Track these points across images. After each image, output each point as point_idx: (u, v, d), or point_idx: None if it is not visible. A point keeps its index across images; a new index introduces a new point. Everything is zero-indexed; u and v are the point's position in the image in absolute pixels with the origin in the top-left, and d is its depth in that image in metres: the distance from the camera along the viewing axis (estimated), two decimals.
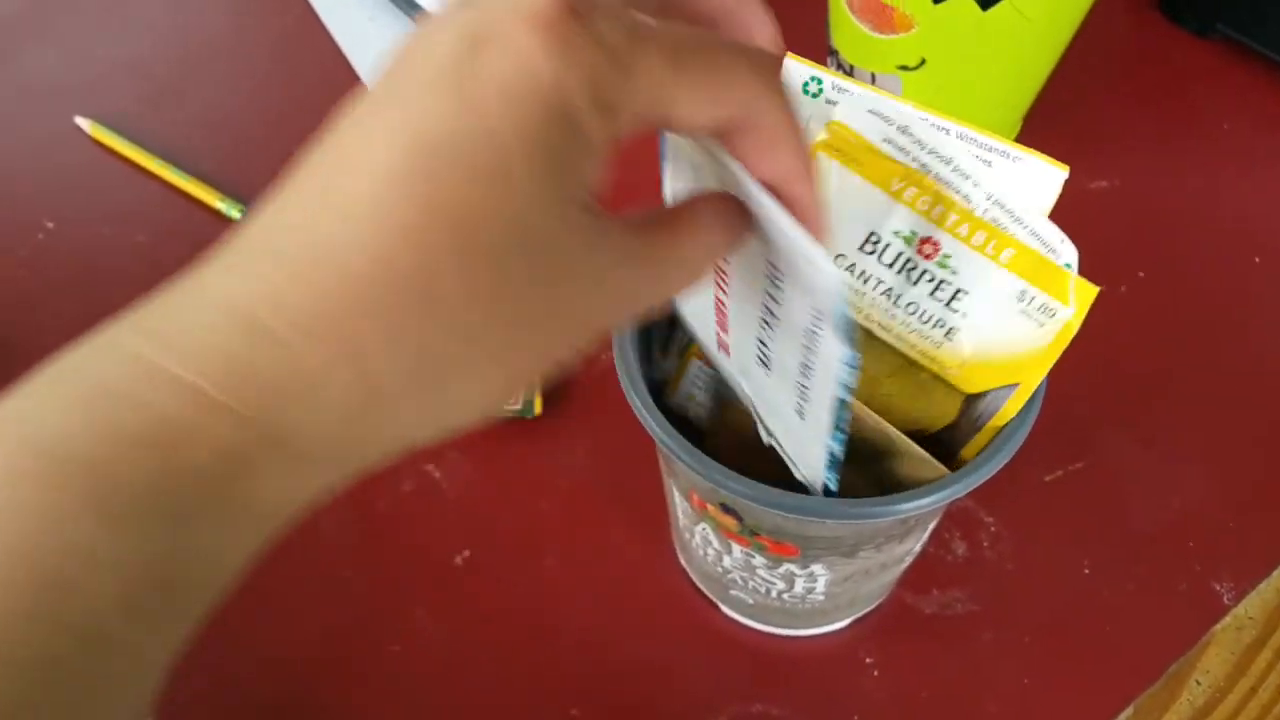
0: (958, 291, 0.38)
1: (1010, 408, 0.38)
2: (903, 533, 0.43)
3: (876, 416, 0.39)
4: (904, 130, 0.37)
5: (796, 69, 0.43)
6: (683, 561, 0.54)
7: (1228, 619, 0.52)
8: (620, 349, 0.42)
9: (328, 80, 0.79)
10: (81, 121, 0.75)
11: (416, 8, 0.80)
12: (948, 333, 0.38)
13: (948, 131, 0.42)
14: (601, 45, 0.23)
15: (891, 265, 0.38)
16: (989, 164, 0.42)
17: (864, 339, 0.39)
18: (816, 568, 0.44)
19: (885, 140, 0.38)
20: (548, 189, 0.23)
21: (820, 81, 0.43)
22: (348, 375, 0.23)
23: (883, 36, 0.61)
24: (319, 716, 0.51)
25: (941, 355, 0.39)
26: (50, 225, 0.70)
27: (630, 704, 0.51)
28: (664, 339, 0.47)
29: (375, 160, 0.23)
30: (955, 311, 0.38)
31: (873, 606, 0.52)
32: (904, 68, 0.62)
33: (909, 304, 0.38)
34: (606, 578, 0.54)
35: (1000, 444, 0.38)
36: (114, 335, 0.24)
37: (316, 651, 0.52)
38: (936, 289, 0.38)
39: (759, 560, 0.44)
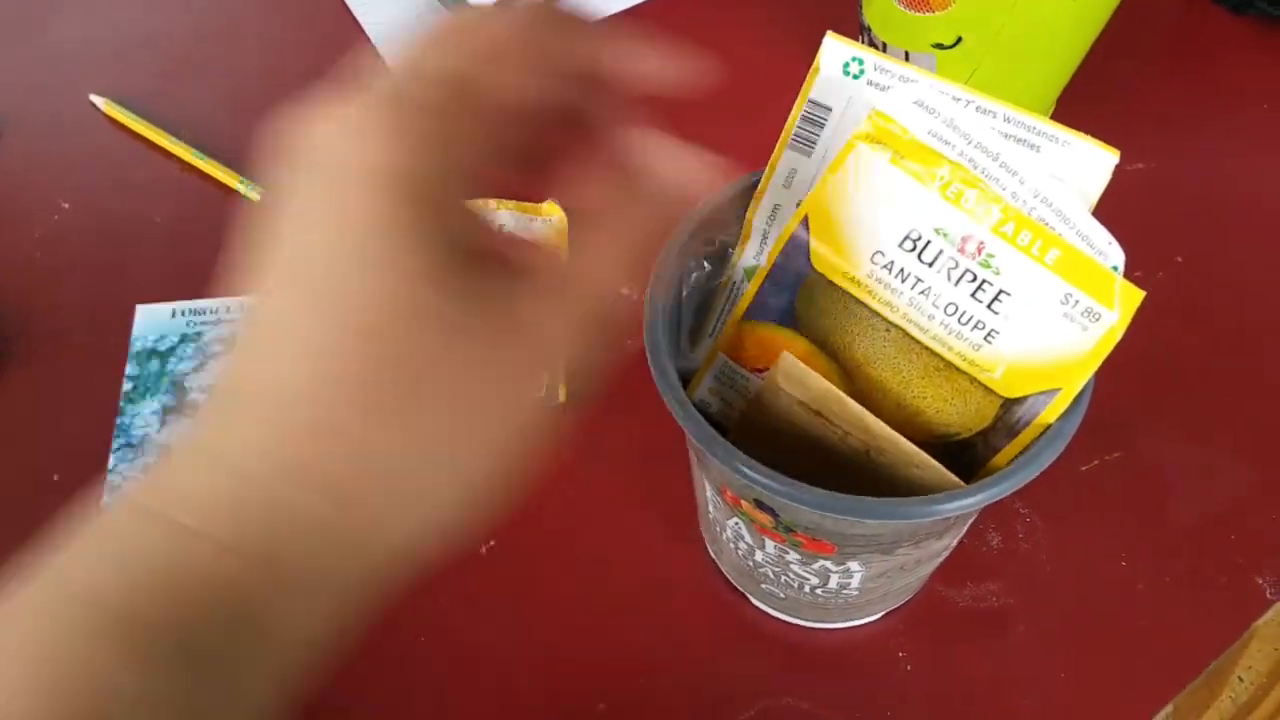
0: (1000, 293, 0.36)
1: (1050, 413, 0.37)
2: (942, 530, 0.42)
3: (886, 428, 0.38)
4: (950, 124, 0.36)
5: (836, 48, 0.41)
6: (712, 553, 0.53)
7: (1270, 614, 0.51)
8: (652, 342, 0.40)
9: (348, 58, 0.77)
10: (97, 99, 0.74)
11: None
12: (987, 335, 0.37)
13: (994, 114, 0.41)
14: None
15: (932, 264, 0.36)
16: (1036, 148, 0.41)
17: (899, 338, 0.38)
18: (853, 564, 0.43)
19: (930, 133, 0.36)
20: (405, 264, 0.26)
21: (861, 62, 0.41)
22: (324, 505, 0.26)
23: (918, 14, 0.59)
24: (345, 707, 0.50)
25: (980, 358, 0.37)
26: (66, 205, 0.70)
27: (659, 696, 0.50)
28: (693, 329, 0.46)
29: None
30: (996, 314, 0.36)
31: (905, 600, 0.51)
32: (939, 45, 0.60)
33: (948, 304, 0.37)
34: (634, 568, 0.53)
35: (1045, 444, 0.37)
36: (135, 498, 0.27)
37: (340, 641, 0.52)
38: (978, 290, 0.36)
39: (793, 556, 0.43)
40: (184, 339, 0.61)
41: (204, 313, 0.62)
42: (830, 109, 0.42)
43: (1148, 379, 0.58)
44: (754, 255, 0.44)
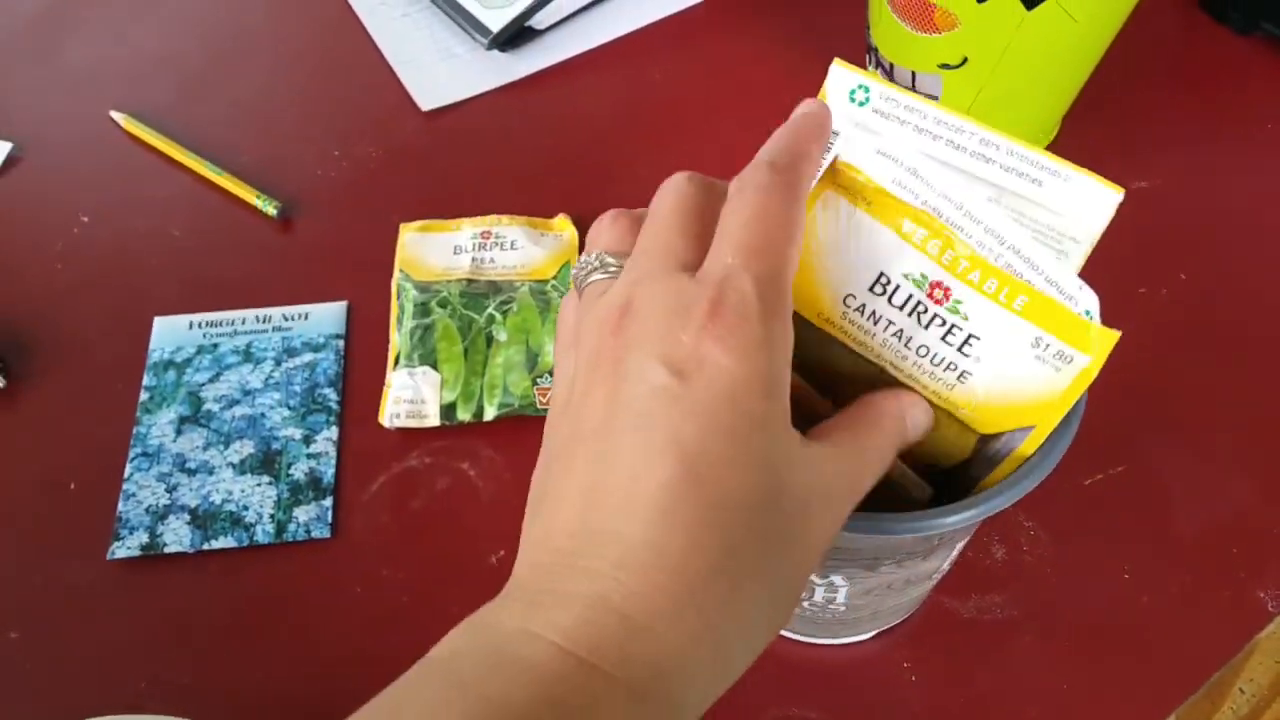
0: (969, 337, 0.36)
1: (1028, 446, 0.37)
2: (926, 550, 0.42)
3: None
4: (913, 172, 0.36)
5: (843, 76, 0.42)
6: None
7: (1272, 626, 0.52)
8: None
9: (363, 76, 0.79)
10: (116, 115, 0.75)
11: (449, 1, 0.80)
12: (960, 375, 0.37)
13: (997, 147, 0.41)
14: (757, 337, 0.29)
15: (902, 308, 0.36)
16: (1039, 183, 0.41)
17: (876, 375, 0.38)
18: (836, 578, 0.43)
19: (894, 182, 0.36)
20: (775, 449, 0.29)
21: (868, 90, 0.42)
22: (707, 650, 0.28)
23: (924, 35, 0.60)
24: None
25: (954, 397, 0.37)
26: (85, 219, 0.71)
27: None
28: None
29: (651, 478, 0.28)
30: (967, 356, 0.36)
31: (901, 619, 0.52)
32: (945, 66, 0.61)
33: (920, 346, 0.37)
34: None
35: (1028, 470, 0.37)
36: (507, 621, 0.29)
37: (351, 650, 0.52)
38: (948, 333, 0.36)
39: None
40: (200, 350, 0.62)
41: (220, 325, 0.64)
42: (836, 134, 0.42)
43: (1151, 394, 0.59)
44: None
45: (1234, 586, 0.53)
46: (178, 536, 0.55)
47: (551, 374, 0.58)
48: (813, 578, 0.43)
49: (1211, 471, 0.57)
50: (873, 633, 0.51)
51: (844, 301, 0.37)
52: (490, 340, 0.60)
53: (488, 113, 0.76)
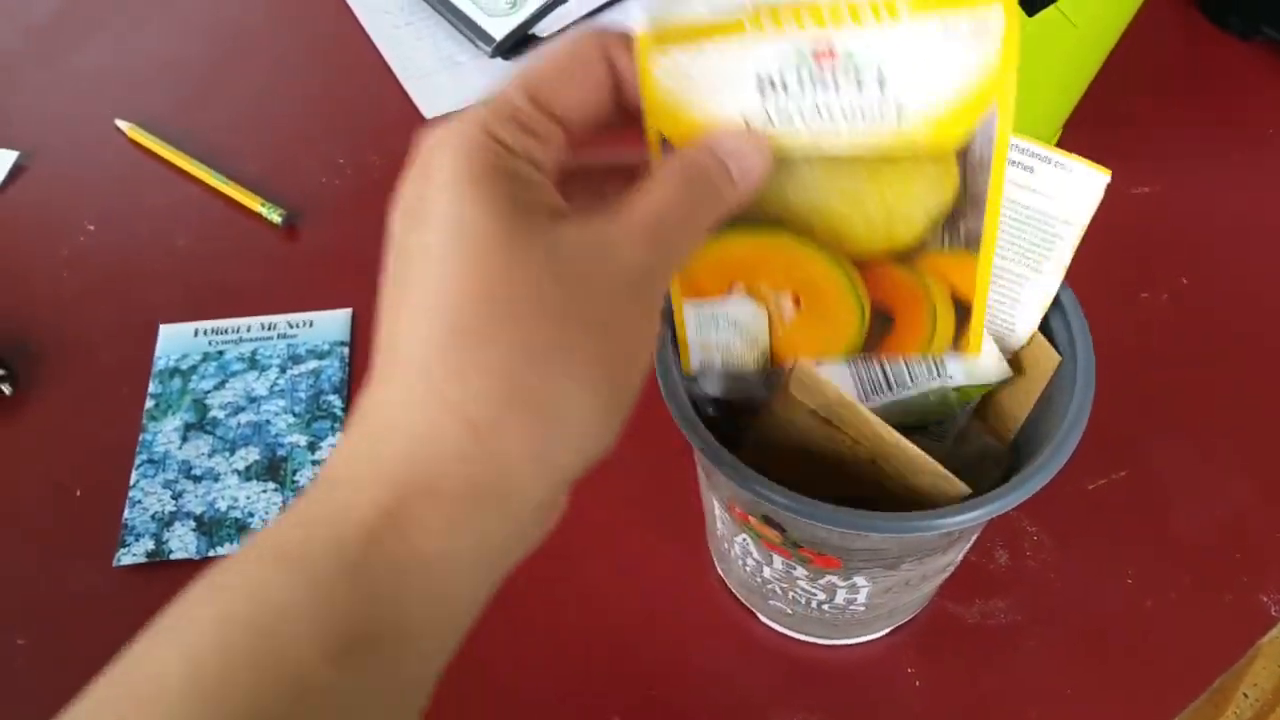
0: (880, 69, 0.33)
1: (1002, 134, 0.34)
2: (946, 545, 0.42)
3: (895, 434, 0.39)
4: None
5: None
6: (720, 570, 0.53)
7: (1275, 631, 0.52)
8: (662, 362, 0.41)
9: (366, 83, 0.79)
10: (121, 124, 0.76)
11: (452, 10, 0.81)
12: (898, 111, 0.34)
13: None
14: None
15: (803, 89, 0.34)
16: (1030, 169, 0.42)
17: (829, 164, 0.36)
18: (859, 579, 0.43)
19: (709, 7, 0.34)
20: (487, 210, 0.28)
21: None
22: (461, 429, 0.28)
23: None
24: None
25: (910, 132, 0.35)
26: (91, 227, 0.71)
27: (671, 710, 0.51)
28: None
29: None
30: (890, 85, 0.34)
31: (911, 616, 0.52)
32: None
33: (844, 109, 0.34)
34: (644, 584, 0.54)
35: (1049, 457, 0.38)
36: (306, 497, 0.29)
37: None
38: (860, 83, 0.34)
39: (800, 572, 0.44)
40: (206, 358, 0.63)
41: (225, 332, 0.64)
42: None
43: (1153, 399, 0.59)
44: None
45: (1237, 591, 0.53)
46: (184, 543, 0.55)
47: None
48: (834, 579, 0.43)
49: (1214, 475, 0.57)
50: (886, 630, 0.52)
51: (746, 125, 0.34)
52: None
53: None
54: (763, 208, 0.36)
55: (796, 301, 0.39)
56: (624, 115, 0.34)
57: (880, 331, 0.39)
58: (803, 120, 0.34)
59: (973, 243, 0.37)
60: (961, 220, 0.37)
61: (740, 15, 0.33)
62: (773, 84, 0.34)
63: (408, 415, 0.29)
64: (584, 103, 0.32)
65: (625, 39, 0.33)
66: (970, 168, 0.35)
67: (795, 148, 0.35)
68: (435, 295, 0.29)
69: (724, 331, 0.40)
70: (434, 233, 0.29)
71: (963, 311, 0.38)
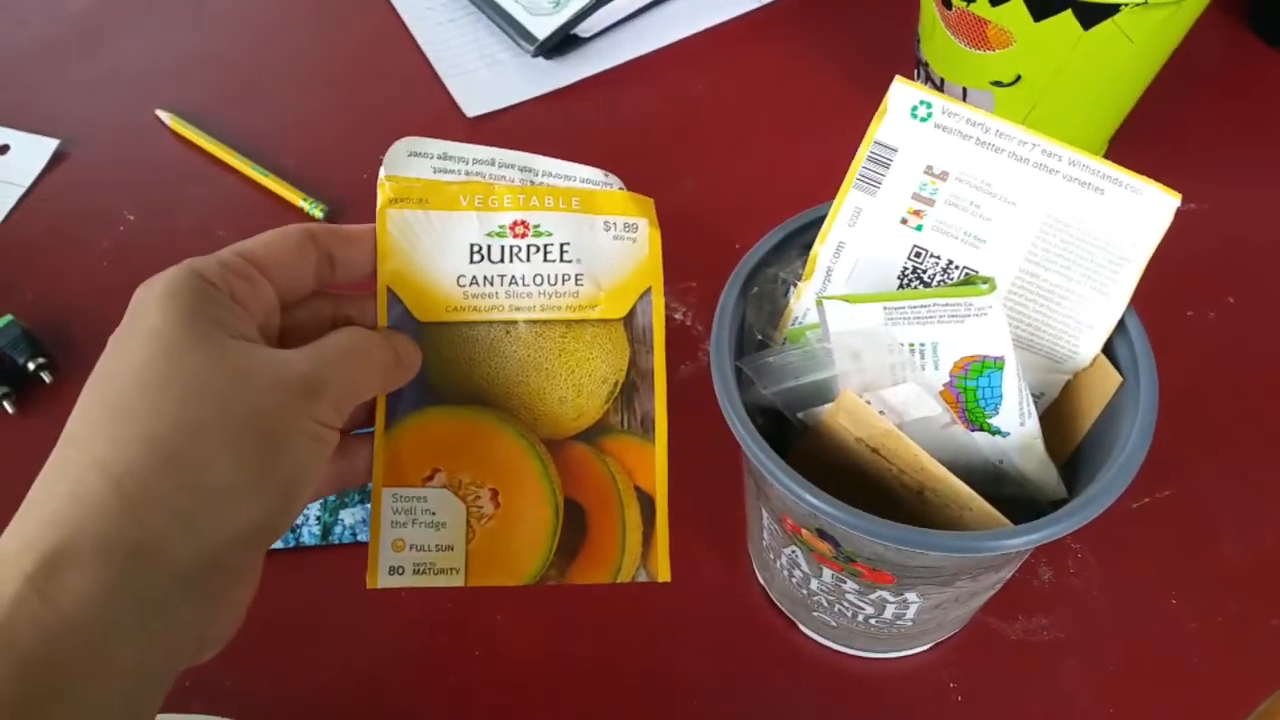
0: (562, 245, 0.42)
1: (658, 312, 0.43)
2: (1001, 563, 0.42)
3: (941, 469, 0.39)
4: (445, 155, 0.42)
5: (905, 92, 0.42)
6: (761, 580, 0.53)
7: None
8: (720, 369, 0.41)
9: (409, 81, 0.79)
10: (162, 114, 0.76)
11: (495, 8, 0.80)
12: (577, 280, 0.42)
13: (1059, 158, 0.42)
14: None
15: (502, 260, 0.42)
16: (1101, 191, 0.41)
17: (522, 333, 0.42)
18: (910, 595, 0.43)
19: (435, 171, 0.42)
20: (183, 317, 0.33)
21: (930, 105, 0.42)
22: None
23: (978, 52, 0.60)
24: (400, 716, 0.51)
25: (583, 300, 0.42)
26: (131, 217, 0.71)
27: (710, 718, 0.51)
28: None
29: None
30: (569, 262, 0.42)
31: (955, 632, 0.52)
32: (998, 83, 0.61)
33: (535, 277, 0.42)
34: (684, 591, 0.54)
35: (1112, 480, 0.38)
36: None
37: (398, 654, 0.53)
38: (546, 254, 0.42)
39: (850, 586, 0.44)
40: None
41: None
42: (896, 150, 0.43)
43: (1199, 418, 0.58)
44: (819, 289, 0.45)
45: None
46: None
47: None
48: (885, 594, 0.43)
49: (1260, 497, 0.56)
50: (929, 645, 0.51)
51: (458, 283, 0.42)
52: None
53: (532, 120, 0.76)
54: (467, 385, 0.42)
55: (495, 498, 0.42)
56: (335, 287, 0.40)
57: (574, 534, 0.42)
58: (503, 284, 0.42)
59: (648, 426, 0.43)
60: (636, 398, 0.43)
61: (458, 191, 0.42)
62: (480, 252, 0.42)
63: (59, 482, 0.32)
64: (288, 264, 0.37)
65: (328, 229, 0.39)
66: (635, 340, 0.43)
67: (495, 315, 0.42)
68: (109, 380, 0.33)
69: (421, 524, 0.41)
70: (127, 338, 0.34)
71: (649, 506, 0.43)
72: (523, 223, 0.42)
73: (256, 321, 0.36)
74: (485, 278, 0.42)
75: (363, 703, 0.51)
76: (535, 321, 0.42)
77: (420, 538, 0.41)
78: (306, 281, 0.39)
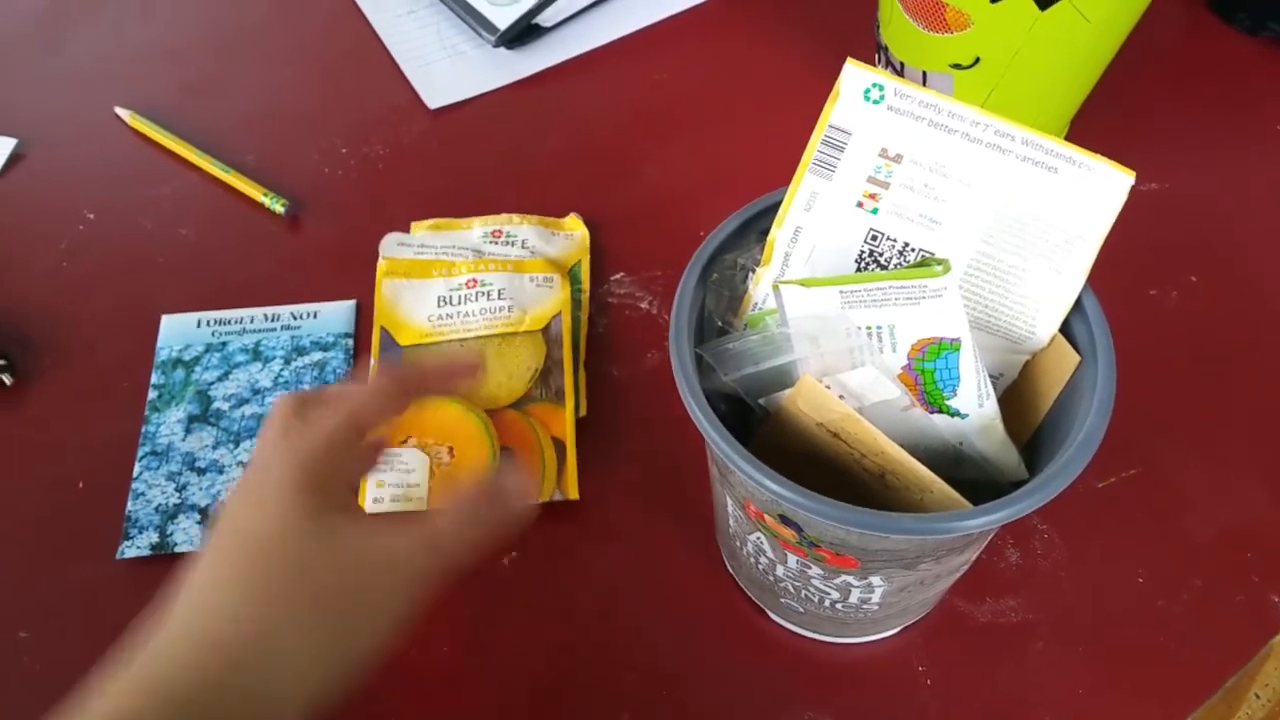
0: (500, 290, 0.62)
1: (567, 326, 0.62)
2: (964, 545, 0.42)
3: (901, 452, 0.39)
4: (421, 245, 0.66)
5: (857, 75, 0.42)
6: (730, 568, 0.53)
7: None
8: (680, 362, 0.41)
9: (370, 74, 0.78)
10: (122, 112, 0.75)
11: (459, 0, 0.80)
12: (509, 309, 0.62)
13: (1012, 138, 0.42)
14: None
15: (459, 304, 0.62)
16: (1054, 170, 0.41)
17: (476, 340, 0.61)
18: (875, 579, 0.43)
19: (414, 253, 0.65)
20: (299, 511, 0.39)
21: (882, 88, 0.42)
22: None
23: (936, 34, 0.60)
24: (367, 711, 0.51)
25: (512, 320, 0.61)
26: (91, 216, 0.70)
27: (682, 707, 0.50)
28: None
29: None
30: (505, 300, 0.62)
31: (923, 615, 0.52)
32: (957, 66, 0.61)
33: (480, 310, 0.62)
34: (653, 581, 0.54)
35: (1072, 458, 0.38)
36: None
37: None
38: (489, 297, 0.62)
39: (815, 571, 0.44)
40: (209, 349, 0.62)
41: (228, 323, 0.63)
42: (850, 133, 0.43)
43: (1163, 397, 0.59)
44: (777, 274, 0.44)
45: (1248, 591, 0.53)
46: (188, 536, 0.55)
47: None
48: (850, 579, 0.43)
49: (1224, 474, 0.57)
50: (897, 629, 0.51)
51: (428, 320, 0.62)
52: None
53: (495, 110, 0.76)
54: None
55: (451, 451, 0.57)
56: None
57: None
58: (460, 319, 0.62)
59: (560, 396, 0.59)
60: (550, 378, 0.60)
61: (431, 266, 0.64)
62: (445, 300, 0.63)
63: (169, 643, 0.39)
64: (385, 420, 0.43)
65: (421, 380, 0.45)
66: (550, 341, 0.61)
67: (453, 336, 0.61)
68: (239, 554, 0.39)
69: (397, 471, 0.56)
70: (258, 519, 0.39)
71: (561, 448, 0.57)
72: (474, 280, 0.63)
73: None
74: (447, 315, 0.62)
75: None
76: (479, 337, 0.61)
77: (396, 479, 0.56)
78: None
